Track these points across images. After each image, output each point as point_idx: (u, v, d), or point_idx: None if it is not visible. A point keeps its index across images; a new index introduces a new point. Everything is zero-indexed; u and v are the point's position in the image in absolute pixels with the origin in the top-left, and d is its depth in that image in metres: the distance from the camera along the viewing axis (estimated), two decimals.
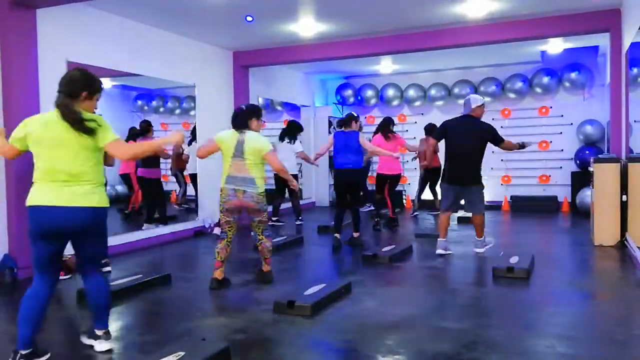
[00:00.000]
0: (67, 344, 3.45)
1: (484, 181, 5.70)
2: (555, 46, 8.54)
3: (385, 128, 7.64)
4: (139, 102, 8.66)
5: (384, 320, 3.68)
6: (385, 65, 9.93)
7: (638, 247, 5.17)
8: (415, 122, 10.44)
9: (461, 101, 10.01)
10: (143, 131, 7.22)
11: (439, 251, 5.72)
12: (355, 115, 6.50)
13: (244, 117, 4.56)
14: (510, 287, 4.43)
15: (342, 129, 6.44)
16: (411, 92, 10.55)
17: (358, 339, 3.31)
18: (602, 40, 7.88)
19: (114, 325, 3.73)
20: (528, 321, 3.60)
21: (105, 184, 3.28)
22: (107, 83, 7.59)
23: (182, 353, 2.80)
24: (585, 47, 8.89)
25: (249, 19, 6.55)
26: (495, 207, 9.74)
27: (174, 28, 6.99)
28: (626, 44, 6.02)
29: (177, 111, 8.85)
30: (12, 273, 4.88)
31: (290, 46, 8.04)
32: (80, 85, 2.93)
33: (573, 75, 9.28)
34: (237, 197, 4.40)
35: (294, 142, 8.10)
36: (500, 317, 3.75)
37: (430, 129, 8.72)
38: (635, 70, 6.39)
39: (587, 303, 4.14)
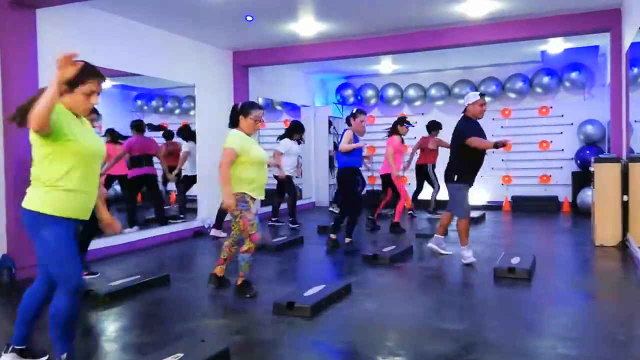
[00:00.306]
0: None
1: (480, 181, 5.54)
2: (556, 46, 8.52)
3: (392, 128, 7.57)
4: (139, 102, 8.64)
5: (384, 321, 3.67)
6: (386, 65, 9.92)
7: (639, 247, 5.15)
8: (416, 122, 10.40)
9: (461, 101, 10.07)
10: (138, 130, 7.13)
11: (430, 244, 5.74)
12: (354, 111, 6.30)
13: (232, 116, 4.33)
14: (511, 288, 4.41)
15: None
16: (411, 92, 10.53)
17: (358, 340, 3.30)
18: (603, 40, 7.86)
19: (113, 326, 3.72)
20: (529, 322, 3.58)
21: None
22: (107, 83, 7.53)
23: (181, 354, 2.79)
24: (585, 47, 8.87)
25: (249, 18, 6.54)
26: (496, 207, 9.74)
27: (174, 28, 6.98)
28: (626, 43, 6.01)
29: (177, 111, 8.84)
30: (10, 273, 4.86)
31: (290, 46, 8.03)
32: None
33: (573, 75, 9.26)
34: None
35: (278, 141, 8.03)
36: (501, 318, 3.73)
37: (431, 126, 8.62)
38: (635, 70, 6.37)
39: (588, 303, 4.13)
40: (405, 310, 3.90)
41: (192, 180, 7.81)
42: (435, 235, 5.78)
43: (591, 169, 6.35)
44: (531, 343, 3.16)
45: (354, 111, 6.34)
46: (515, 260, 4.89)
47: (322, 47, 7.89)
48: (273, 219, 8.10)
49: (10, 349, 2.86)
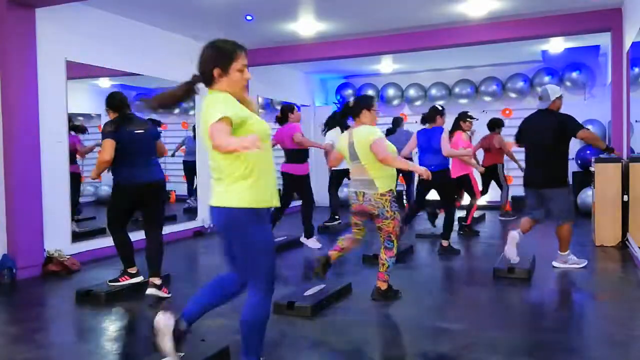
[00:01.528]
0: (67, 344, 3.43)
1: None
2: (556, 45, 8.51)
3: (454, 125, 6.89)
4: (138, 102, 8.63)
5: (384, 320, 3.67)
6: (386, 65, 9.91)
7: (639, 248, 5.15)
8: (416, 122, 10.39)
9: (462, 100, 10.10)
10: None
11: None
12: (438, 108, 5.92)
13: (348, 112, 4.13)
14: (511, 288, 4.41)
15: (426, 125, 5.98)
16: (412, 92, 10.53)
17: (358, 340, 3.29)
18: (604, 40, 7.86)
19: (114, 325, 3.72)
20: (529, 322, 3.58)
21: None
22: (106, 83, 7.56)
23: (182, 354, 2.79)
24: (586, 47, 8.87)
25: (249, 17, 6.53)
26: (496, 207, 9.72)
27: (174, 27, 6.97)
28: (627, 43, 6.00)
29: (177, 111, 8.84)
30: (10, 273, 4.85)
31: (290, 45, 8.02)
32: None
33: (574, 74, 9.26)
34: (358, 201, 4.02)
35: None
36: (501, 318, 3.73)
37: (495, 124, 8.06)
38: (636, 69, 6.38)
39: (588, 304, 4.13)
40: (405, 310, 3.90)
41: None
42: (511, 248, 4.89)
43: (591, 169, 6.34)
44: (531, 343, 3.16)
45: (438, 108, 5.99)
46: (514, 260, 4.88)
47: (322, 47, 7.89)
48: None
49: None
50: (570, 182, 5.14)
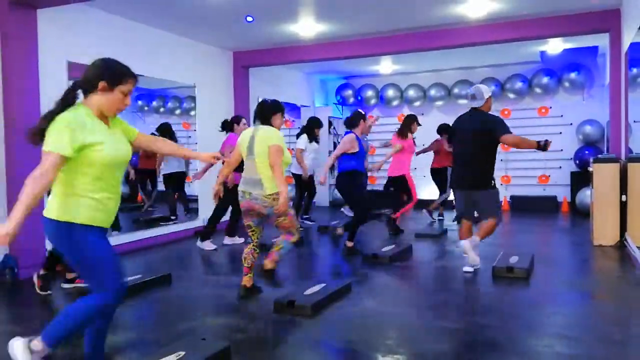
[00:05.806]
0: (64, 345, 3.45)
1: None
2: (555, 46, 8.54)
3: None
4: (140, 102, 8.65)
5: (384, 320, 3.69)
6: (385, 66, 9.94)
7: (637, 247, 5.18)
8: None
9: (462, 101, 10.12)
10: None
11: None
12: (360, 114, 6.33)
13: (267, 110, 4.13)
14: (510, 287, 4.43)
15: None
16: (411, 92, 10.56)
17: (358, 339, 3.32)
18: (602, 41, 7.88)
19: (114, 325, 3.74)
20: (527, 321, 3.61)
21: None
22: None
23: (183, 353, 2.81)
24: (584, 48, 8.89)
25: (249, 19, 6.56)
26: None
27: (175, 28, 7.00)
28: (626, 44, 6.03)
29: (178, 111, 8.85)
30: (12, 273, 4.88)
31: (290, 46, 8.05)
32: (98, 73, 2.44)
33: (573, 75, 9.29)
34: (244, 198, 4.03)
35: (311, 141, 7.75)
36: (499, 317, 3.75)
37: (445, 129, 8.05)
38: (634, 70, 6.40)
39: (586, 303, 4.15)
40: (404, 309, 3.92)
41: (179, 178, 7.75)
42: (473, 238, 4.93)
43: (590, 169, 6.37)
44: (529, 342, 3.18)
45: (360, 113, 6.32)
46: (513, 260, 4.91)
47: (322, 48, 7.91)
48: (305, 217, 8.06)
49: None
50: (495, 183, 5.00)
